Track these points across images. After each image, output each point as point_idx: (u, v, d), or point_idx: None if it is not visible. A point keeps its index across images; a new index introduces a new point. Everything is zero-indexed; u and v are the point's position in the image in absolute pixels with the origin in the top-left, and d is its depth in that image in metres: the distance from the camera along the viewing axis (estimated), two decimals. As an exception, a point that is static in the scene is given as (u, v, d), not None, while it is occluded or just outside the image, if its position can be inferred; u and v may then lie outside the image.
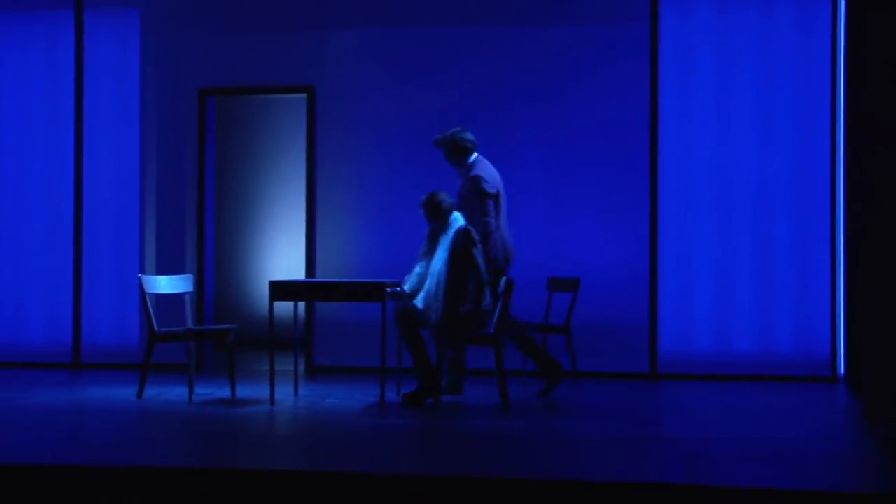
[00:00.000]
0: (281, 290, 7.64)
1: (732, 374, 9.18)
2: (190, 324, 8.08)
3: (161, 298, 8.60)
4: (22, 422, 6.78)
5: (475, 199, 7.85)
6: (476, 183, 7.84)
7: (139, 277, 7.93)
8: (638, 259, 9.33)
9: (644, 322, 9.31)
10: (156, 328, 7.72)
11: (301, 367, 9.39)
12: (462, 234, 7.50)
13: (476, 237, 7.54)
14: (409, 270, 8.16)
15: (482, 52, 9.55)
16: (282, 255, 12.18)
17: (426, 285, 7.60)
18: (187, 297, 8.17)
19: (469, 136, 7.97)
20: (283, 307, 8.55)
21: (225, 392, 7.98)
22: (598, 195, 9.39)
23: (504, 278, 7.47)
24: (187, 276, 8.32)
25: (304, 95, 9.85)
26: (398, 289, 7.75)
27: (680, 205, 9.35)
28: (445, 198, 7.66)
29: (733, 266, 9.28)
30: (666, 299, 9.32)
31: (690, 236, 9.33)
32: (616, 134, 9.38)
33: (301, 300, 7.99)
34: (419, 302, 7.57)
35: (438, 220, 7.65)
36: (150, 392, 8.00)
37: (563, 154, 9.45)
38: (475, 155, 8.02)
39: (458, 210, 7.79)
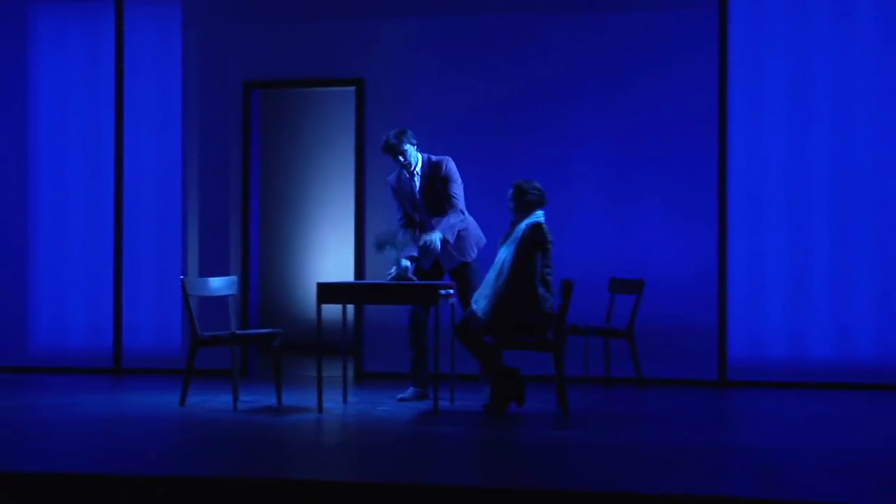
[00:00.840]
0: (329, 292, 7.51)
1: (808, 381, 8.92)
2: (234, 327, 7.98)
3: (204, 301, 8.61)
4: (64, 430, 6.73)
5: (448, 183, 7.78)
6: (450, 164, 7.84)
7: (182, 279, 7.85)
8: (706, 259, 9.06)
9: (712, 326, 9.04)
10: (199, 332, 7.66)
11: (350, 373, 9.33)
12: (532, 227, 7.26)
13: (547, 234, 7.20)
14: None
15: (538, 41, 9.33)
16: (330, 255, 12.14)
17: (486, 277, 7.40)
18: (231, 300, 8.08)
19: (411, 132, 7.98)
20: (332, 310, 8.43)
21: (271, 399, 7.92)
22: (664, 192, 9.15)
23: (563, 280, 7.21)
24: (231, 277, 8.21)
25: (352, 88, 9.76)
26: (449, 291, 7.56)
27: (750, 201, 9.08)
28: (533, 189, 7.37)
29: (808, 267, 9.00)
30: (736, 302, 9.05)
31: (762, 235, 9.05)
32: (683, 126, 9.13)
33: (350, 303, 7.90)
34: (475, 301, 7.37)
35: (517, 209, 7.39)
36: (194, 399, 7.94)
37: (626, 148, 9.21)
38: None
39: (422, 205, 7.80)
